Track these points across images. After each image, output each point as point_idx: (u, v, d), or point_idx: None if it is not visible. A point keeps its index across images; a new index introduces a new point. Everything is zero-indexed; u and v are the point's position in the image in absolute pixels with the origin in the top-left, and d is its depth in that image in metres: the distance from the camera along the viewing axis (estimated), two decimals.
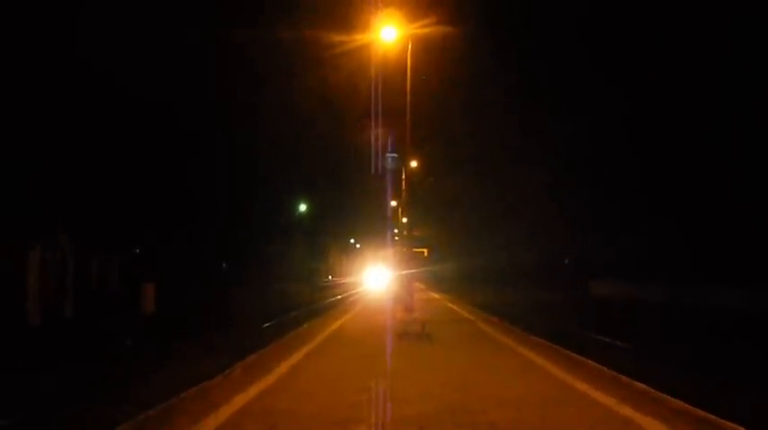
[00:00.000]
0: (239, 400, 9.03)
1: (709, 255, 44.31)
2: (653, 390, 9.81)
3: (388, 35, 23.65)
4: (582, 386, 10.21)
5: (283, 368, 12.05)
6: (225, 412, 8.29)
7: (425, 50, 25.58)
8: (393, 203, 59.65)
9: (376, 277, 62.05)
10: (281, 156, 77.09)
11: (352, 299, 47.75)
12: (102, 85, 36.48)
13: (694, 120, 47.19)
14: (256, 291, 53.01)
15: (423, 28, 23.68)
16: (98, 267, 32.77)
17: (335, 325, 22.62)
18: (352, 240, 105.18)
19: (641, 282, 49.24)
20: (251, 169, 63.25)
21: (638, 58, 53.80)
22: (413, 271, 25.84)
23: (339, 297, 52.97)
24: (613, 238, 56.05)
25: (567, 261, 70.21)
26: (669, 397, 9.28)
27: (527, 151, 64.94)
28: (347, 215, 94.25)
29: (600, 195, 58.49)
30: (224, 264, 63.11)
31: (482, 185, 71.79)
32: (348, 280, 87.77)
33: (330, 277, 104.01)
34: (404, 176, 41.34)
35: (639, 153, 52.60)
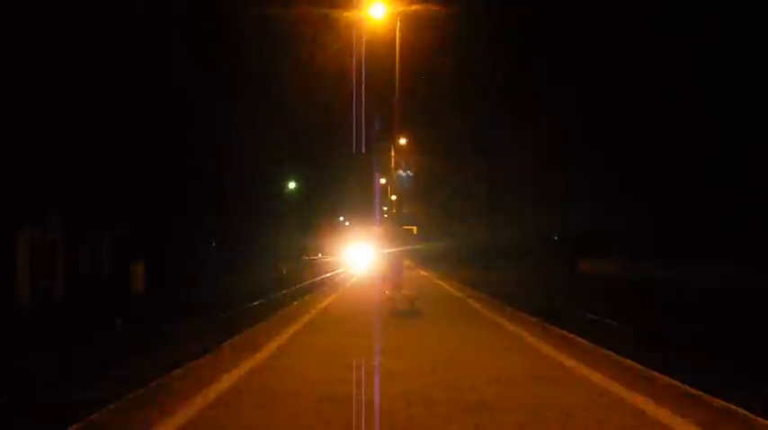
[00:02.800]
0: (228, 379, 9.00)
1: (703, 232, 44.26)
2: (642, 368, 9.83)
3: (377, 12, 23.54)
4: (571, 363, 10.22)
5: (272, 347, 12.03)
6: (214, 391, 8.26)
7: (415, 28, 25.47)
8: (382, 181, 59.61)
9: (359, 256, 61.66)
10: (269, 133, 76.90)
11: (341, 277, 47.77)
12: (83, 61, 36.36)
13: (696, 94, 47.00)
14: (245, 269, 53.00)
15: (411, 5, 23.59)
16: (88, 247, 32.64)
17: (324, 303, 22.62)
18: (341, 218, 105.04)
19: (631, 259, 49.36)
20: (238, 146, 63.17)
21: (632, 23, 53.69)
22: (402, 248, 25.81)
23: (328, 275, 52.98)
24: (603, 216, 56.06)
25: (556, 238, 70.41)
26: (658, 374, 9.30)
27: (516, 130, 64.95)
28: (337, 193, 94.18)
29: (591, 171, 58.50)
30: (213, 243, 63.07)
31: (471, 163, 71.73)
32: (338, 257, 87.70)
33: (320, 255, 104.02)
34: (393, 154, 41.23)
35: (633, 128, 52.46)
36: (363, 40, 27.58)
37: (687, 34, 47.55)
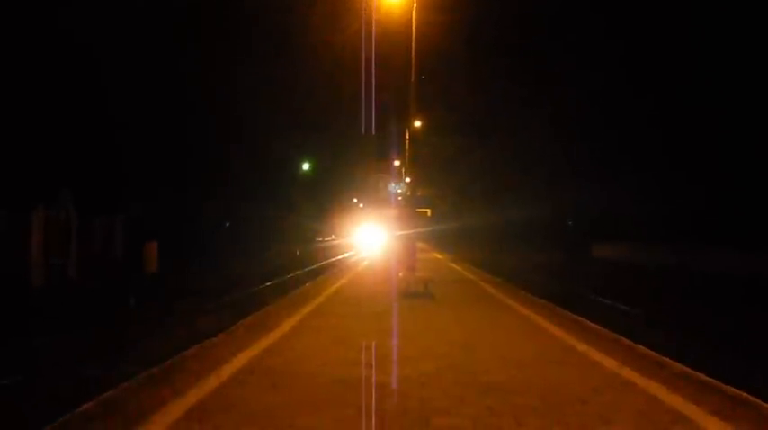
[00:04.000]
0: (241, 359, 9.04)
1: (717, 218, 43.84)
2: (654, 354, 9.81)
3: None
4: (583, 347, 10.21)
5: (285, 327, 12.06)
6: (227, 370, 8.29)
7: (429, 9, 25.37)
8: (396, 163, 59.59)
9: (372, 239, 61.29)
10: (284, 116, 76.95)
11: (354, 259, 47.79)
12: (88, 48, 36.63)
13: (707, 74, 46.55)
14: (259, 250, 53.07)
15: None
16: (101, 227, 32.67)
17: (337, 284, 22.65)
18: (355, 200, 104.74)
19: (644, 244, 49.11)
20: (252, 127, 63.27)
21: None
22: (416, 231, 25.81)
23: (341, 257, 52.99)
24: (615, 200, 55.73)
25: (570, 222, 70.21)
26: (670, 360, 9.28)
27: (530, 112, 64.58)
28: (351, 174, 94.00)
29: (606, 152, 58.17)
30: (227, 224, 63.12)
31: (485, 145, 71.41)
32: (352, 240, 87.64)
33: (333, 237, 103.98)
34: (407, 137, 41.19)
35: (649, 106, 52.06)
36: (373, 20, 27.52)
37: (699, 15, 47.20)
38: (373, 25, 28.10)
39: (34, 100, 32.95)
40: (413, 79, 24.02)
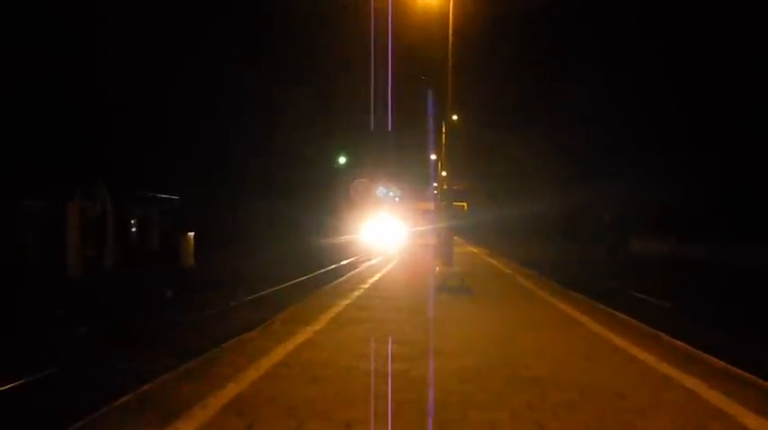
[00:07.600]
0: (279, 352, 9.07)
1: (751, 212, 43.19)
2: (693, 349, 9.73)
3: None
4: (622, 343, 10.15)
5: (322, 321, 12.08)
6: (266, 364, 8.33)
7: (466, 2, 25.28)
8: (433, 157, 59.45)
9: (408, 233, 60.64)
10: (318, 109, 76.99)
11: (390, 254, 47.73)
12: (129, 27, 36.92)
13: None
14: (294, 244, 53.21)
15: None
16: (138, 219, 32.96)
17: (374, 278, 22.63)
18: (391, 193, 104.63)
19: (681, 238, 48.59)
20: (286, 121, 63.45)
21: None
22: (452, 225, 25.76)
23: (375, 252, 52.86)
24: (653, 194, 55.14)
25: (606, 217, 69.65)
26: (709, 356, 9.20)
27: (565, 105, 64.11)
28: (388, 167, 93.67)
29: (642, 146, 57.61)
30: (264, 219, 63.24)
31: (522, 138, 70.95)
32: (387, 234, 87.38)
33: (370, 231, 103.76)
34: (444, 130, 41.12)
35: (682, 104, 51.47)
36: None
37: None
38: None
39: (70, 89, 33.22)
40: (450, 71, 23.91)
